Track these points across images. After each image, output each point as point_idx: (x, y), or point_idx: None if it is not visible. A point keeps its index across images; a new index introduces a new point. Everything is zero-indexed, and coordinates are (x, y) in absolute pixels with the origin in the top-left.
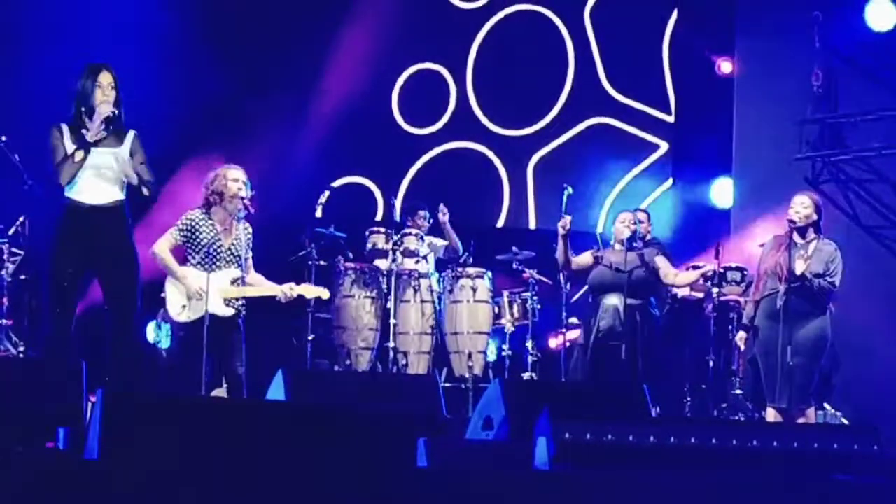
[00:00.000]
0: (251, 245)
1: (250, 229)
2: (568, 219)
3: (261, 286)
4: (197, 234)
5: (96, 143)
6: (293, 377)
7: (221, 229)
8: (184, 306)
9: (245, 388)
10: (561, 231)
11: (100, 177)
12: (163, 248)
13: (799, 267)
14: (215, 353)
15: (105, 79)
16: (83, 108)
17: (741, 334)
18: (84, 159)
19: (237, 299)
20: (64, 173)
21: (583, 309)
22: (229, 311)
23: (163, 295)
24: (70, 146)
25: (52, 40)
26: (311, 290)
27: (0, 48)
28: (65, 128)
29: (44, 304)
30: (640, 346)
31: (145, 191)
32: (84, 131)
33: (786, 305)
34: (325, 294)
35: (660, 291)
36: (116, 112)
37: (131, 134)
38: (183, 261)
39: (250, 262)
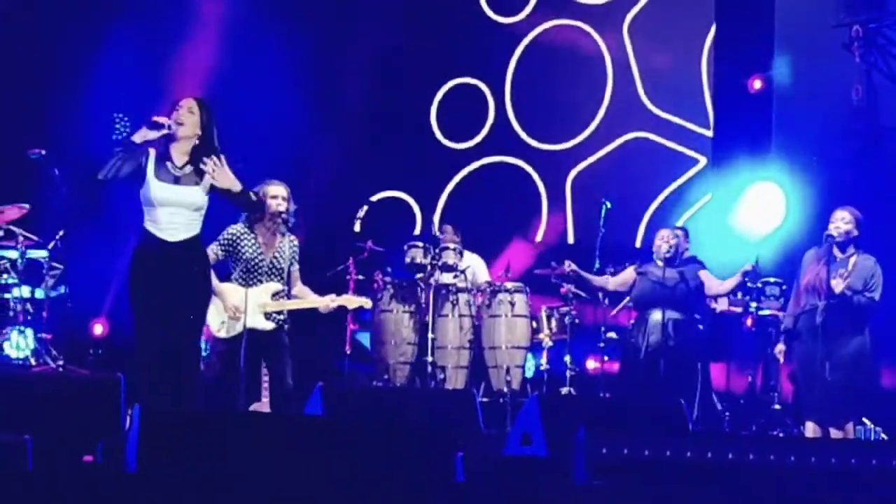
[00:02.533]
0: (297, 257)
1: (296, 241)
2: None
3: (304, 299)
4: (238, 248)
5: (178, 180)
6: (331, 392)
7: (263, 243)
8: (223, 322)
9: (293, 401)
10: (566, 270)
11: (178, 215)
12: None
13: (838, 285)
14: (257, 367)
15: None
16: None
17: (780, 346)
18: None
19: (278, 312)
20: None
21: (621, 324)
22: (270, 325)
23: None
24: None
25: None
26: (352, 301)
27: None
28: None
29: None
30: (682, 361)
31: (252, 196)
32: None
33: (825, 321)
34: (367, 304)
35: (702, 306)
36: (168, 126)
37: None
38: (227, 276)
39: (296, 274)
